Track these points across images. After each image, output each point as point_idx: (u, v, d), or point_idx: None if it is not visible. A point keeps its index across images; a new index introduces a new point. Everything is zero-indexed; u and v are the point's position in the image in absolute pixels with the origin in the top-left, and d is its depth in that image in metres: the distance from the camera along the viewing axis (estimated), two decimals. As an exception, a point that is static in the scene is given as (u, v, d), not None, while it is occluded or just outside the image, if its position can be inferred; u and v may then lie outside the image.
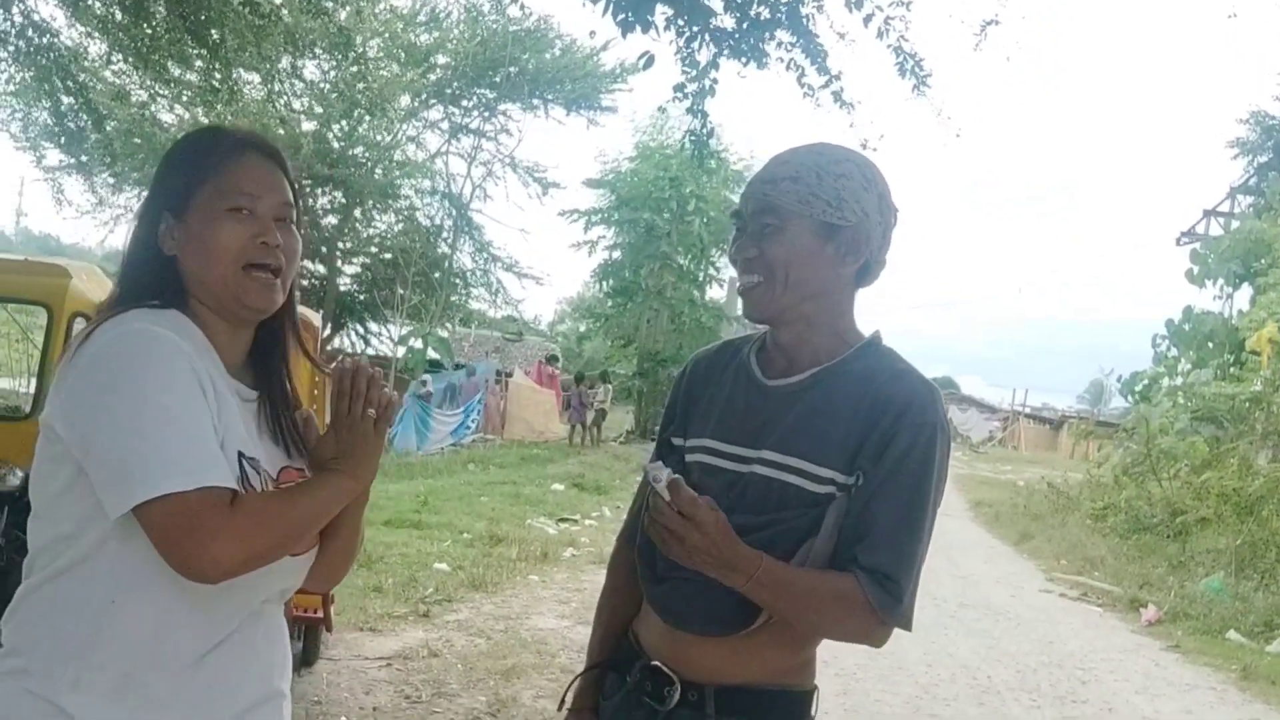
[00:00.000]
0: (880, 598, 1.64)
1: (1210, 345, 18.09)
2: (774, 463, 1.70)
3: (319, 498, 1.49)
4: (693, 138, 7.43)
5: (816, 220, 1.69)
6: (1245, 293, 19.07)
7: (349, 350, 24.15)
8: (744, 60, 6.57)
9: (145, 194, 1.62)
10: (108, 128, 13.57)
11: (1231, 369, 16.97)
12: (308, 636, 5.40)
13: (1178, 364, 18.81)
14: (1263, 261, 17.63)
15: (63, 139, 13.12)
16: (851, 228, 1.71)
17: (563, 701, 1.99)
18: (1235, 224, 21.82)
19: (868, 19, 6.65)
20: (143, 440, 1.35)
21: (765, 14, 6.55)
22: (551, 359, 28.02)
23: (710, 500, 1.63)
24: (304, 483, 1.53)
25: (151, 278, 1.52)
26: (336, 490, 1.51)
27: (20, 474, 4.35)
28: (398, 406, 1.70)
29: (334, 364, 1.65)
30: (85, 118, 11.64)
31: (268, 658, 1.58)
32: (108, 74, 13.95)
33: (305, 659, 5.47)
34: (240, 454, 1.47)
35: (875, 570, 1.64)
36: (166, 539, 1.34)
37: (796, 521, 1.68)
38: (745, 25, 6.47)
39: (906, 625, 1.69)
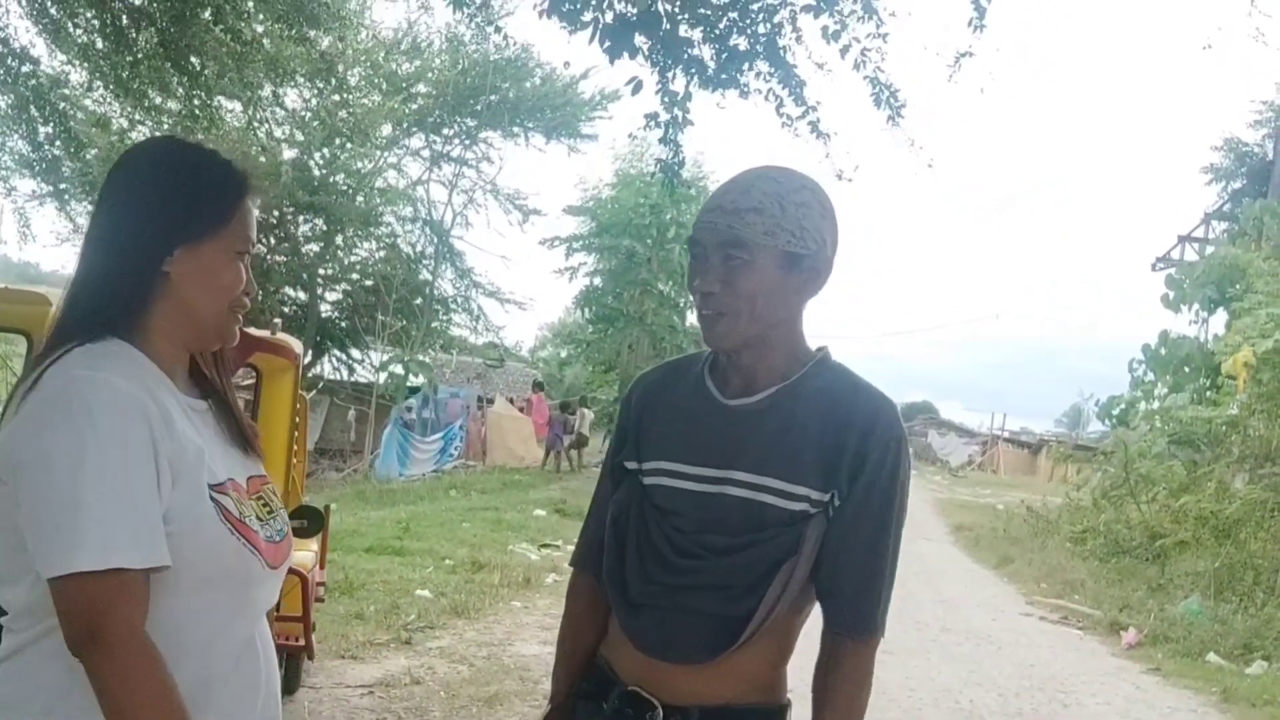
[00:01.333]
0: (870, 638, 1.77)
1: (1186, 370, 18.24)
2: (746, 483, 1.71)
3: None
4: (664, 166, 7.49)
5: (780, 251, 1.69)
6: (1220, 317, 19.25)
7: (330, 377, 24.05)
8: (721, 91, 6.64)
9: (146, 202, 1.52)
10: (88, 155, 13.57)
11: (1208, 393, 17.11)
12: (289, 664, 5.38)
13: (1154, 388, 18.95)
14: (1237, 287, 17.80)
15: (40, 167, 13.08)
16: (812, 256, 1.73)
17: None
18: (1210, 249, 22.06)
19: (845, 50, 6.72)
20: (63, 506, 1.32)
21: (744, 44, 6.62)
22: (538, 385, 27.96)
23: None
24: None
25: (134, 294, 1.49)
26: None
27: None
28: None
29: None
30: (63, 146, 11.65)
31: (270, 683, 1.61)
32: (88, 102, 13.92)
33: (287, 687, 5.44)
34: (210, 489, 1.46)
35: (859, 624, 1.75)
36: (66, 618, 1.33)
37: (775, 541, 1.70)
38: (724, 56, 6.54)
39: (881, 632, 1.79)
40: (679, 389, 1.86)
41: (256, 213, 1.62)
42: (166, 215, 1.51)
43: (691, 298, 1.81)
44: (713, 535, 1.70)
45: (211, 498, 1.46)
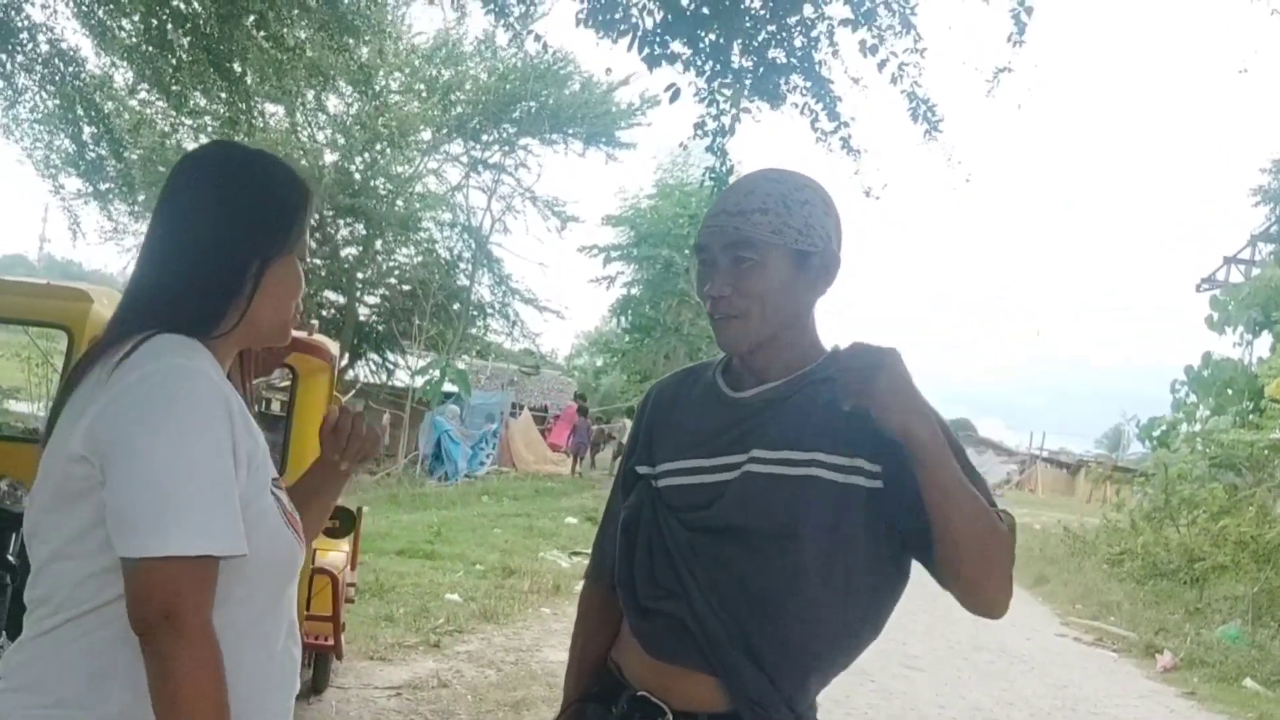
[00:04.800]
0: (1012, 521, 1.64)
1: (1229, 392, 18.02)
2: (765, 459, 1.68)
3: None
4: (713, 175, 7.47)
5: (790, 249, 1.69)
6: (1265, 340, 19.01)
7: (366, 380, 24.23)
8: (760, 102, 6.62)
9: (234, 211, 1.54)
10: (131, 156, 13.73)
11: (1250, 416, 16.89)
12: (317, 664, 5.40)
13: (1196, 410, 18.74)
14: (1283, 309, 17.59)
15: (83, 167, 13.25)
16: (820, 253, 1.72)
17: None
18: (1256, 271, 21.78)
19: (882, 64, 6.69)
20: (161, 490, 1.34)
21: (781, 57, 6.61)
22: (580, 398, 28.00)
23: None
24: None
25: (229, 297, 1.51)
26: None
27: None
28: (379, 440, 1.73)
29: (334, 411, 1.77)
30: (108, 146, 11.80)
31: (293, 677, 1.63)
32: (133, 103, 14.10)
33: (315, 686, 5.47)
34: (273, 482, 1.52)
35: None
36: (142, 597, 1.34)
37: (821, 512, 1.63)
38: (761, 69, 6.53)
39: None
40: (691, 394, 1.86)
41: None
42: (247, 227, 1.53)
43: (702, 302, 1.78)
44: (747, 517, 1.65)
45: (273, 493, 1.51)
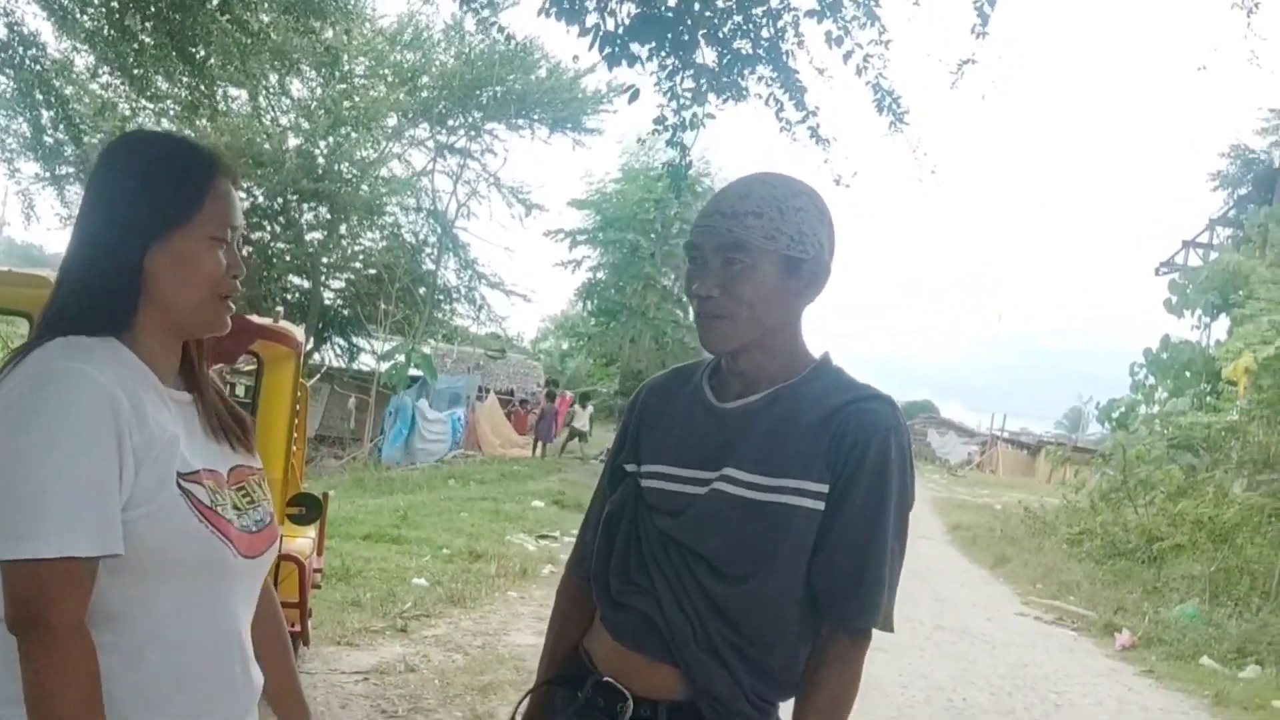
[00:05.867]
0: (861, 634, 1.73)
1: (1187, 374, 18.23)
2: (737, 479, 1.70)
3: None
4: (671, 170, 7.50)
5: (781, 255, 1.70)
6: (1223, 323, 19.24)
7: (331, 365, 24.08)
8: (724, 97, 6.65)
9: (115, 201, 1.51)
10: (93, 140, 13.58)
11: (1208, 398, 17.10)
12: (285, 650, 5.39)
13: (1155, 392, 18.94)
14: (1240, 293, 17.78)
15: (41, 152, 13.10)
16: (811, 260, 1.73)
17: (513, 719, 1.98)
18: (1214, 255, 22.03)
19: (847, 56, 6.74)
20: (20, 493, 1.33)
21: (747, 48, 6.63)
22: (552, 384, 27.90)
23: None
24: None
25: (120, 291, 1.49)
26: None
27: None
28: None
29: None
30: (65, 131, 11.66)
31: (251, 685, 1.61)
32: (94, 87, 13.94)
33: (282, 673, 5.46)
34: (180, 477, 1.46)
35: (848, 618, 1.71)
36: (10, 600, 1.35)
37: (769, 539, 1.69)
38: (726, 60, 6.55)
39: (889, 627, 1.74)
40: (680, 394, 1.87)
41: (238, 194, 1.59)
42: (134, 210, 1.49)
43: (689, 301, 1.79)
44: (706, 537, 1.70)
45: (180, 485, 1.45)
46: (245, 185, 19.01)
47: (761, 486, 1.69)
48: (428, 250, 25.41)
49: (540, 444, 24.12)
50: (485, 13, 8.21)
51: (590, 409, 26.15)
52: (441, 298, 25.62)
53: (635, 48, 6.11)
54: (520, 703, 1.98)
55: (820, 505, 1.68)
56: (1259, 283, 15.41)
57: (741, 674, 1.72)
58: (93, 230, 1.51)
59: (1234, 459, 14.23)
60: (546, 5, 6.04)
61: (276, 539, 1.65)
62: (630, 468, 1.86)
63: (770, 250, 1.69)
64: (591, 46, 6.00)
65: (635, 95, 6.45)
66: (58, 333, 1.45)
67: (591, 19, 6.08)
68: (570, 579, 2.00)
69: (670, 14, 6.14)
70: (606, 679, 1.79)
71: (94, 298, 1.48)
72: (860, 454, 1.68)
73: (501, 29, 8.25)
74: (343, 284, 25.04)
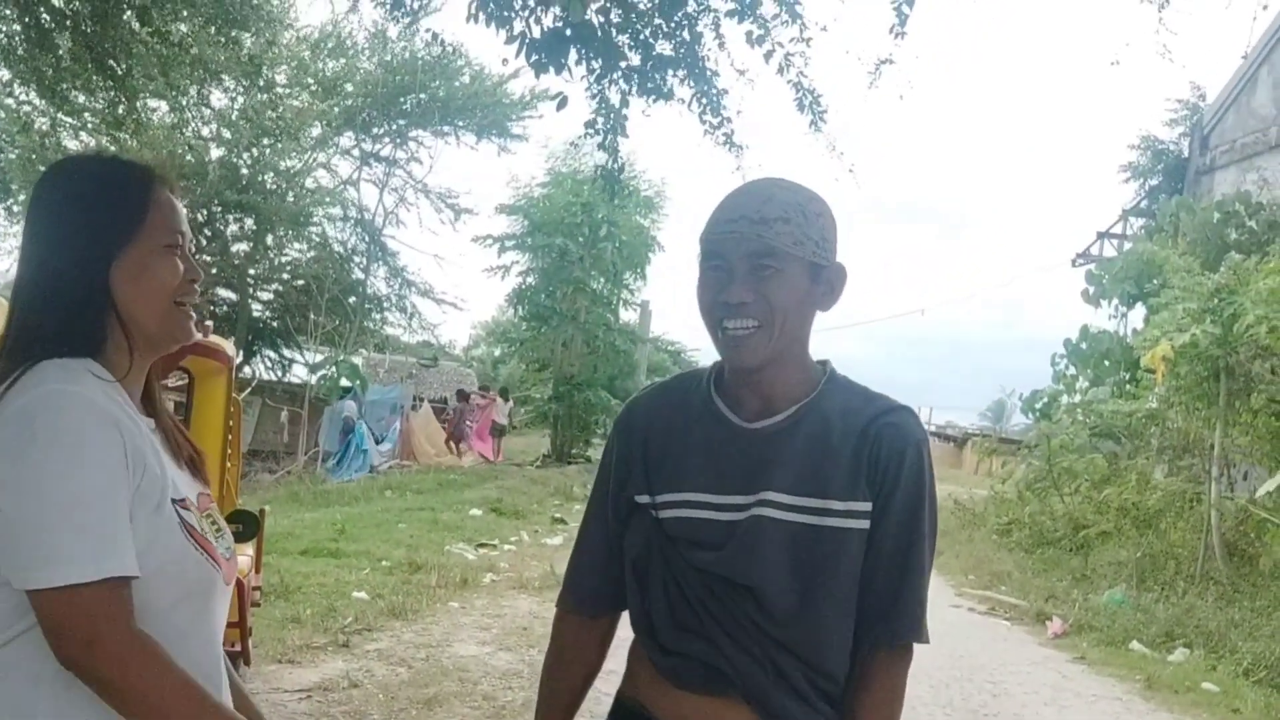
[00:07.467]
0: (907, 649, 1.76)
1: (1106, 363, 18.55)
2: (782, 504, 1.66)
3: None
4: (604, 173, 7.53)
5: (807, 261, 1.66)
6: (1139, 312, 19.60)
7: (262, 378, 23.76)
8: (651, 99, 6.69)
9: (63, 225, 1.51)
10: (9, 155, 13.28)
11: (1127, 386, 17.42)
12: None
13: (1076, 382, 19.24)
14: (1155, 282, 18.13)
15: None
16: (829, 268, 1.71)
17: None
18: (1128, 246, 22.50)
19: (768, 55, 6.80)
20: (51, 519, 1.32)
21: (669, 50, 6.67)
22: (483, 388, 27.78)
23: None
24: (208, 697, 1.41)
25: (93, 313, 1.49)
26: None
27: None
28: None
29: None
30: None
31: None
32: (10, 102, 13.63)
33: (223, 693, 5.41)
34: (174, 503, 1.47)
35: (896, 633, 1.73)
36: (58, 631, 1.32)
37: (839, 565, 1.67)
38: (649, 63, 6.58)
39: (926, 639, 1.77)
40: (686, 413, 1.78)
41: (179, 202, 1.59)
42: (85, 233, 1.50)
43: (702, 316, 1.72)
44: (754, 569, 1.65)
45: (176, 512, 1.47)
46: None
47: (807, 509, 1.66)
48: (356, 259, 25.18)
49: (455, 444, 24.03)
50: (409, 19, 8.18)
51: (510, 403, 26.26)
52: (372, 307, 25.39)
53: (567, 55, 6.12)
54: None
55: (866, 525, 1.67)
56: (1173, 271, 15.70)
57: (815, 700, 1.70)
58: (46, 256, 1.51)
59: (1154, 445, 14.54)
60: (473, 9, 6.00)
61: (238, 566, 1.66)
62: (643, 499, 1.75)
63: (799, 257, 1.65)
64: (518, 54, 6.00)
65: (564, 103, 6.47)
66: (37, 356, 1.44)
67: (518, 25, 6.08)
68: (569, 618, 1.90)
69: (594, 23, 6.16)
70: None
71: (67, 320, 1.48)
72: (896, 470, 1.68)
73: (436, 35, 8.24)
74: (271, 296, 24.72)
